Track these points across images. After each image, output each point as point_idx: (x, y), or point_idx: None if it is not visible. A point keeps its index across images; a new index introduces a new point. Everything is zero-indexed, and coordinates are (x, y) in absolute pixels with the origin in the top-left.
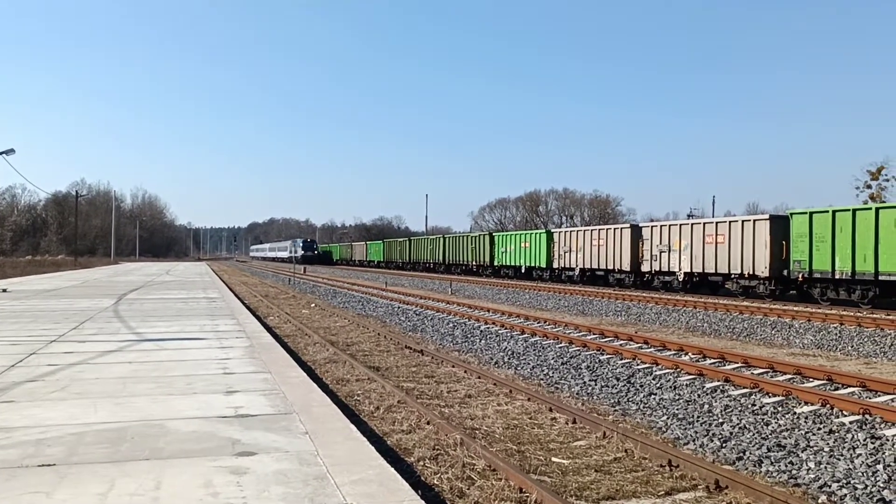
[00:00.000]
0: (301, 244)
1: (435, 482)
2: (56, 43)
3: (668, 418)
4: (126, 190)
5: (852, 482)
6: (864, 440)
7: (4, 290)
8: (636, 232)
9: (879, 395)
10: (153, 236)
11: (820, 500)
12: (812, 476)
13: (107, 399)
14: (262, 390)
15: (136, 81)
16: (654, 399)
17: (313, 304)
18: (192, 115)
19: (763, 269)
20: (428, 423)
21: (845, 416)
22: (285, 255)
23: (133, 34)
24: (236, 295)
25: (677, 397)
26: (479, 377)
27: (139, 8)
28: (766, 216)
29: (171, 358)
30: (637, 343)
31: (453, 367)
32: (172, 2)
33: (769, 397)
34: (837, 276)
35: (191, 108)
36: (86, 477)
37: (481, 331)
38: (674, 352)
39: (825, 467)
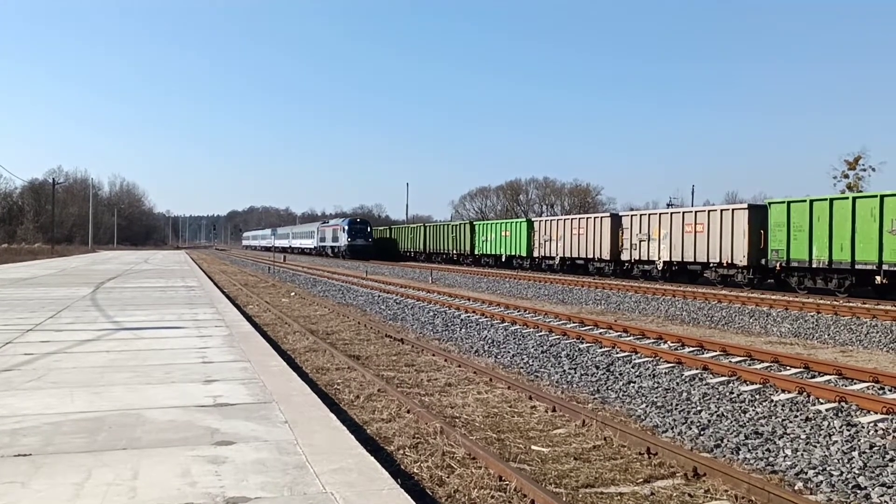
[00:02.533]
0: (348, 226)
1: (415, 471)
2: (28, 27)
3: (646, 406)
4: (104, 177)
5: (828, 469)
6: (840, 427)
7: None
8: (616, 221)
9: (855, 383)
10: (131, 224)
11: (796, 487)
12: (789, 463)
13: (84, 388)
14: (241, 379)
15: (114, 68)
16: (633, 387)
17: (293, 293)
18: (171, 103)
19: (741, 258)
20: (408, 412)
21: (822, 403)
22: (311, 243)
23: (108, 19)
24: (215, 284)
25: (656, 385)
26: (460, 366)
27: None
28: (745, 205)
29: (149, 347)
30: (616, 331)
31: (433, 355)
32: None
33: (747, 385)
34: (815, 265)
35: (170, 95)
36: (62, 467)
37: (462, 319)
38: (653, 340)
39: (802, 454)
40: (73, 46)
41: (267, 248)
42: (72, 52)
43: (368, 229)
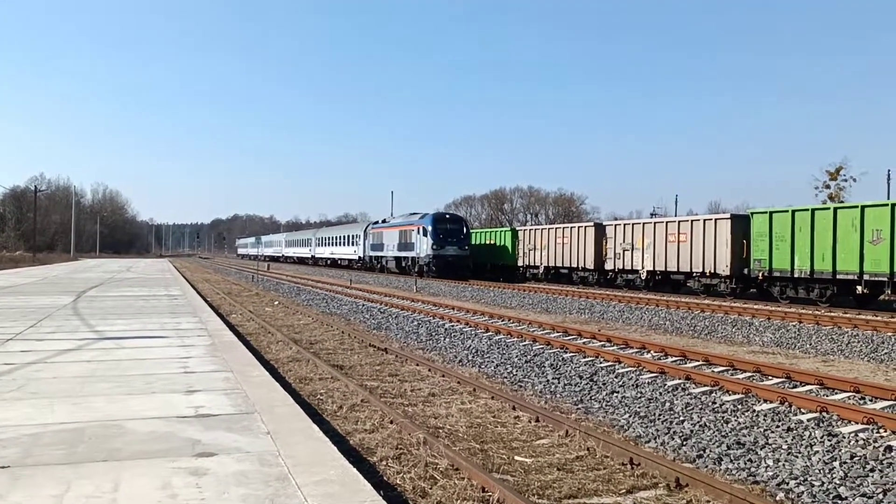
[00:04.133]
0: (432, 225)
1: (397, 482)
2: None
3: (629, 416)
4: (86, 185)
5: (809, 479)
6: (822, 438)
7: None
8: (600, 230)
9: (836, 393)
10: (114, 232)
11: (778, 498)
12: (770, 473)
13: (64, 399)
14: (223, 389)
15: (95, 76)
16: (617, 397)
17: (277, 302)
18: (154, 111)
19: (724, 268)
20: (391, 423)
21: (803, 413)
22: (354, 252)
23: (86, 25)
24: (198, 292)
25: (639, 395)
26: (443, 375)
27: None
28: (728, 215)
29: (131, 357)
30: (600, 341)
31: (417, 365)
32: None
33: (729, 395)
34: (797, 275)
35: (152, 103)
36: (41, 479)
37: (446, 329)
38: (636, 350)
39: (783, 465)
40: (54, 53)
41: (273, 259)
42: (53, 59)
43: (465, 230)
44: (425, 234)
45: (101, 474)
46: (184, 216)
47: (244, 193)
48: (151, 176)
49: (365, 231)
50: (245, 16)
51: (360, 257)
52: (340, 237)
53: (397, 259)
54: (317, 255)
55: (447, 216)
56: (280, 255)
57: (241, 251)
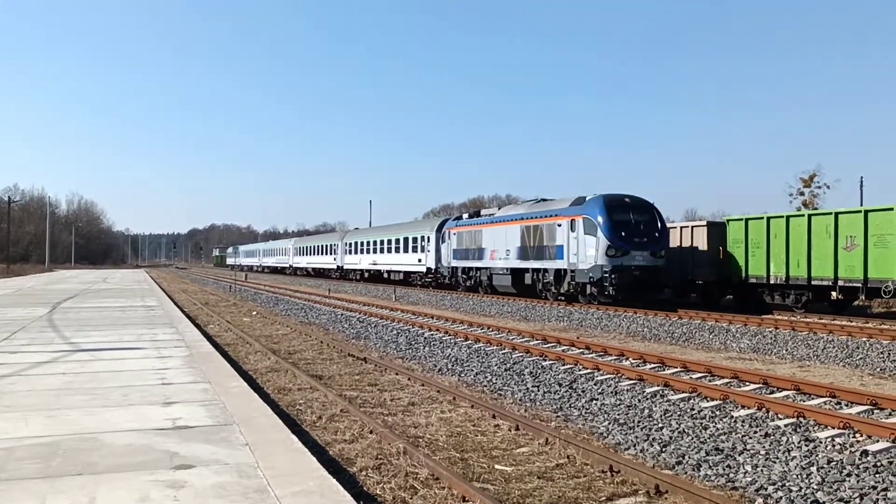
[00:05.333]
0: (602, 212)
1: (377, 492)
2: None
3: (609, 423)
4: (61, 195)
5: (787, 484)
6: (799, 443)
7: None
8: None
9: (813, 398)
10: (89, 243)
11: (756, 503)
12: (749, 479)
13: (39, 412)
14: (201, 401)
15: (70, 86)
16: (596, 404)
17: (255, 312)
18: (130, 121)
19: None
20: (371, 432)
21: (780, 419)
22: (420, 262)
23: (60, 33)
24: (175, 303)
25: (618, 402)
26: (423, 384)
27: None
28: (704, 223)
29: (107, 368)
30: (579, 348)
31: (397, 374)
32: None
33: (707, 401)
34: (772, 281)
35: (129, 112)
36: (16, 494)
37: (425, 338)
38: (615, 357)
39: (761, 470)
40: (27, 62)
41: (278, 270)
42: (26, 67)
43: (659, 223)
44: (590, 231)
45: (76, 488)
46: (160, 226)
47: (221, 203)
48: (127, 186)
49: (439, 230)
50: (221, 25)
51: (428, 269)
52: (399, 242)
53: (515, 272)
54: (345, 266)
55: (627, 199)
56: (286, 265)
57: (231, 262)
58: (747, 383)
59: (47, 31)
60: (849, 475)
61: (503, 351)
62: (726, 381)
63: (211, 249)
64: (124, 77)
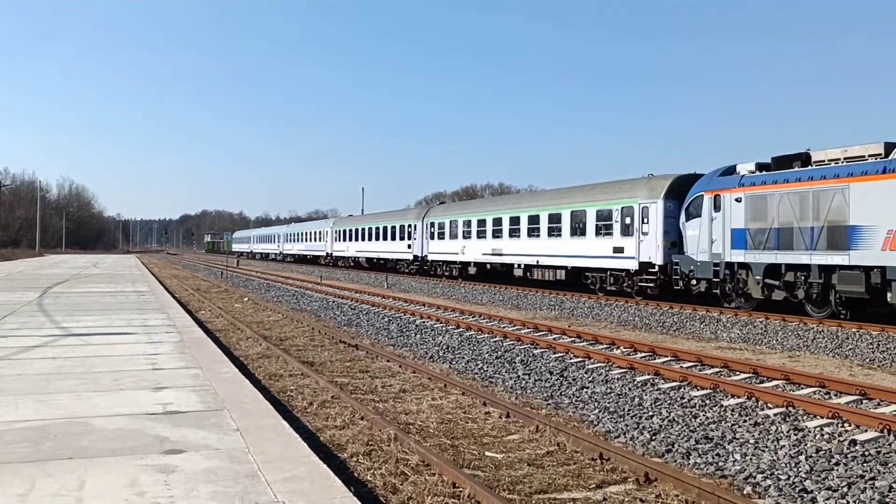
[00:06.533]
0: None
1: (368, 478)
2: None
3: (599, 412)
4: (52, 180)
5: (776, 473)
6: (788, 432)
7: None
8: None
9: (802, 388)
10: (80, 228)
11: (745, 491)
12: (738, 467)
13: (29, 396)
14: (191, 386)
15: (62, 71)
16: (587, 393)
17: (246, 298)
18: (122, 107)
19: None
20: (362, 419)
21: (770, 408)
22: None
23: (54, 18)
24: (166, 288)
25: (609, 391)
26: (414, 372)
27: None
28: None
29: (98, 353)
30: (570, 337)
31: (388, 361)
32: None
33: (697, 390)
34: None
35: (119, 99)
36: (5, 478)
37: (417, 325)
38: (606, 346)
39: (750, 459)
40: (18, 47)
41: (304, 258)
42: (18, 52)
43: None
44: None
45: (66, 472)
46: (152, 212)
47: (213, 189)
48: (119, 171)
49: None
50: (212, 10)
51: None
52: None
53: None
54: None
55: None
56: (324, 251)
57: (237, 247)
58: (737, 373)
59: (38, 15)
60: (837, 464)
61: (494, 339)
62: (716, 370)
63: (202, 235)
64: (116, 62)
